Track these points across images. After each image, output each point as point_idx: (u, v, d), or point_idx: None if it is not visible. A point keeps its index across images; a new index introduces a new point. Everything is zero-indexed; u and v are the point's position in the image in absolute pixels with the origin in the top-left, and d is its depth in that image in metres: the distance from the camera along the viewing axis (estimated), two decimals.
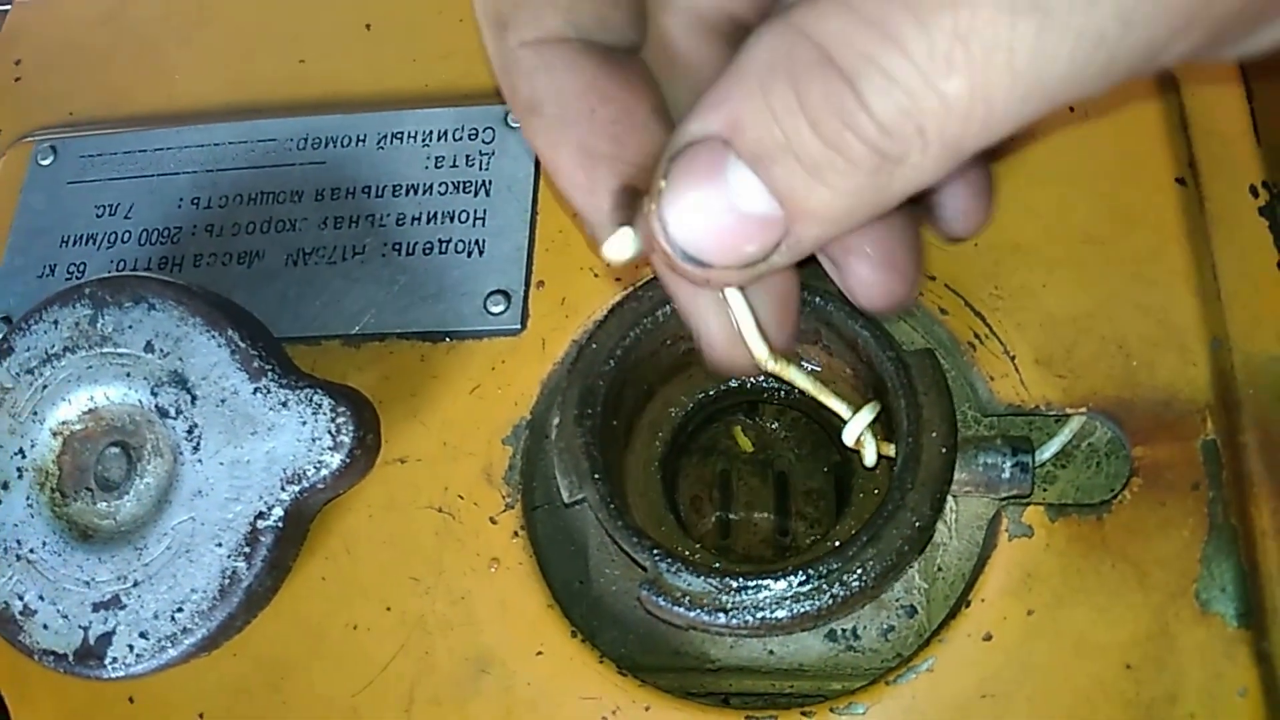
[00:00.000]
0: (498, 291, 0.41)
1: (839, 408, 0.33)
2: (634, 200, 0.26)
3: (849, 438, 0.34)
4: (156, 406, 0.37)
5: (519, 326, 0.41)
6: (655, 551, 0.33)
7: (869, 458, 0.34)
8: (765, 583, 0.32)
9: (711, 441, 0.43)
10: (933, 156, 0.21)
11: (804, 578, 0.32)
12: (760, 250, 0.23)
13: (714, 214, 0.23)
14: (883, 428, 0.35)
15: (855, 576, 0.32)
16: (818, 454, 0.42)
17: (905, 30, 0.19)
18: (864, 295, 0.28)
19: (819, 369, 0.38)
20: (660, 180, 0.23)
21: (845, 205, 0.22)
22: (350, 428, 0.36)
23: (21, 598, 0.37)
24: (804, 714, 0.34)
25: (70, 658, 0.36)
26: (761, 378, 0.40)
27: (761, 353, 0.28)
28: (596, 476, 0.35)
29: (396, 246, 0.43)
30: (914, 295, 0.30)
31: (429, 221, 0.43)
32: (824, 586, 0.32)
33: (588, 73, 0.25)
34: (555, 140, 0.26)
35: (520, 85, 0.26)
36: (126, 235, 0.45)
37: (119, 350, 0.38)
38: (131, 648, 0.36)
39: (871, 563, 0.32)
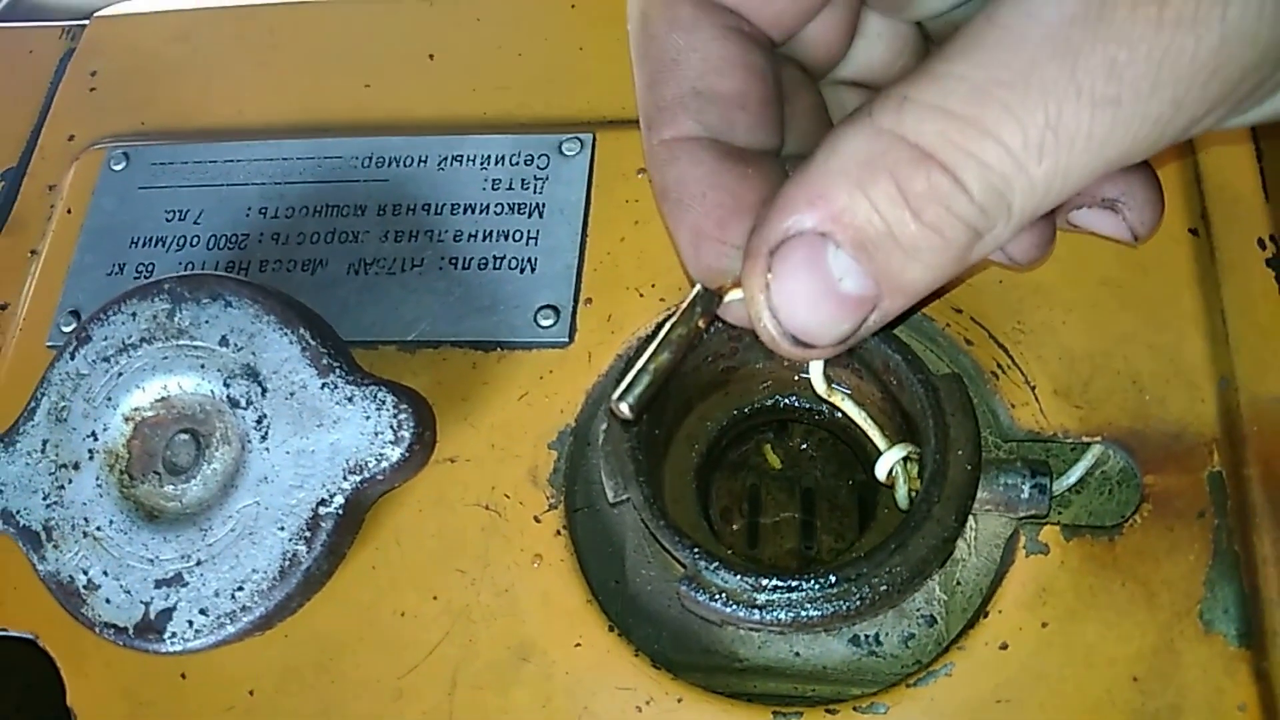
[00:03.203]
0: (547, 306, 0.44)
1: (877, 438, 0.36)
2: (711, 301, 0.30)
3: (881, 471, 0.36)
4: (228, 397, 0.40)
5: (567, 339, 0.43)
6: (695, 550, 0.35)
7: (900, 496, 0.36)
8: (798, 583, 0.34)
9: (742, 458, 0.45)
10: (1013, 226, 0.25)
11: (835, 579, 0.34)
12: (854, 325, 0.27)
13: (817, 300, 0.26)
14: (915, 470, 0.37)
15: (883, 580, 0.34)
16: (843, 472, 0.44)
17: (1002, 126, 0.23)
18: (1016, 250, 0.33)
19: (849, 392, 0.41)
20: (765, 272, 0.26)
21: (933, 277, 0.26)
22: (410, 424, 0.38)
23: (86, 572, 0.39)
24: (829, 711, 0.36)
25: (130, 631, 0.38)
26: (793, 398, 0.42)
27: (822, 388, 0.34)
28: (641, 479, 0.37)
29: (453, 261, 0.46)
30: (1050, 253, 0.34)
31: (484, 239, 0.46)
32: (853, 589, 0.34)
33: (708, 165, 0.29)
34: (675, 220, 0.30)
35: (655, 174, 0.30)
36: (195, 240, 0.48)
37: (195, 343, 0.40)
38: (191, 623, 0.38)
39: (899, 568, 0.34)
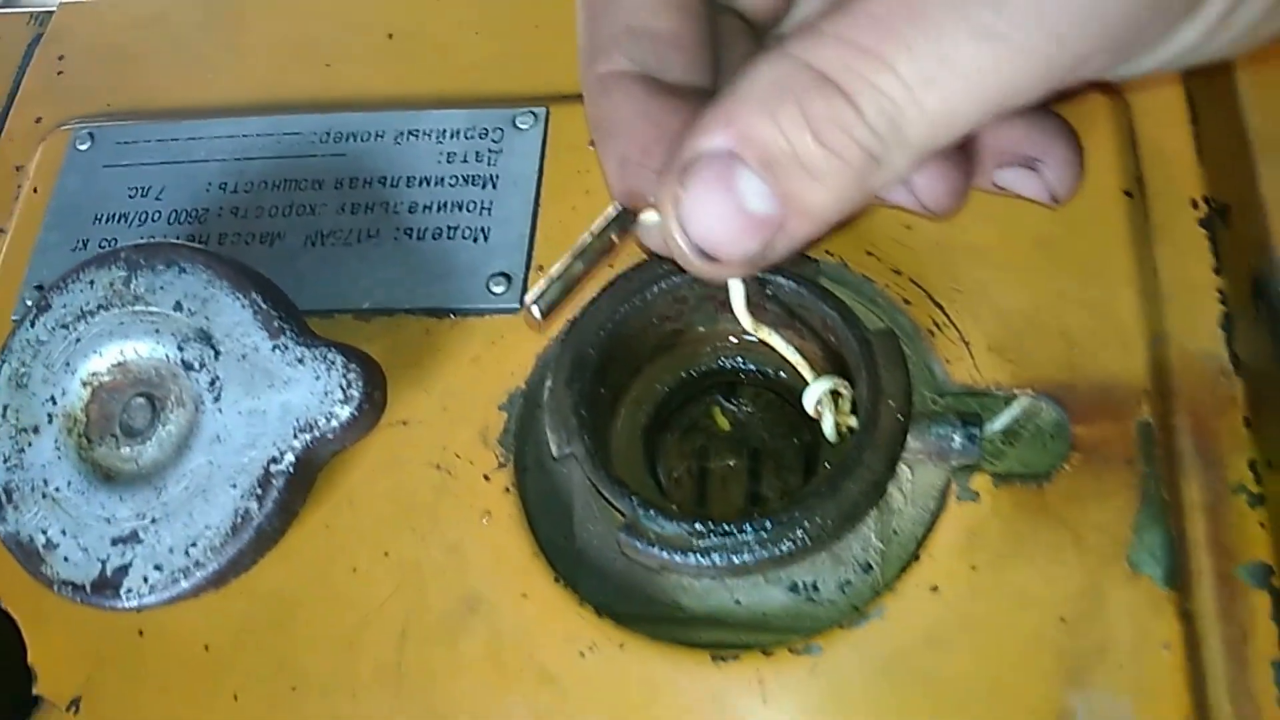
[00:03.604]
0: (500, 274, 0.45)
1: (806, 372, 0.37)
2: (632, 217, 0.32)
3: (808, 402, 0.37)
4: (182, 360, 0.41)
5: (518, 305, 0.44)
6: (634, 498, 0.36)
7: (827, 428, 0.38)
8: (733, 528, 0.35)
9: (691, 421, 0.46)
10: (909, 156, 0.26)
11: (769, 524, 0.35)
12: (760, 245, 0.28)
13: (725, 216, 0.27)
14: (846, 406, 0.38)
15: (815, 524, 0.35)
16: (790, 433, 0.45)
17: (898, 57, 0.25)
18: (927, 195, 0.34)
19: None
20: (676, 188, 0.27)
21: (834, 201, 0.27)
22: (360, 383, 0.39)
23: (45, 532, 0.40)
24: (765, 653, 0.37)
25: (88, 588, 0.39)
26: (740, 360, 0.44)
27: (748, 323, 0.34)
28: (584, 432, 0.38)
29: (408, 232, 0.47)
30: (962, 205, 0.35)
31: (439, 210, 0.47)
32: (786, 532, 0.35)
33: (638, 99, 0.31)
34: (604, 149, 0.32)
35: (590, 106, 0.32)
36: (157, 214, 0.49)
37: (150, 309, 0.41)
38: (146, 579, 0.39)
39: (830, 512, 0.35)
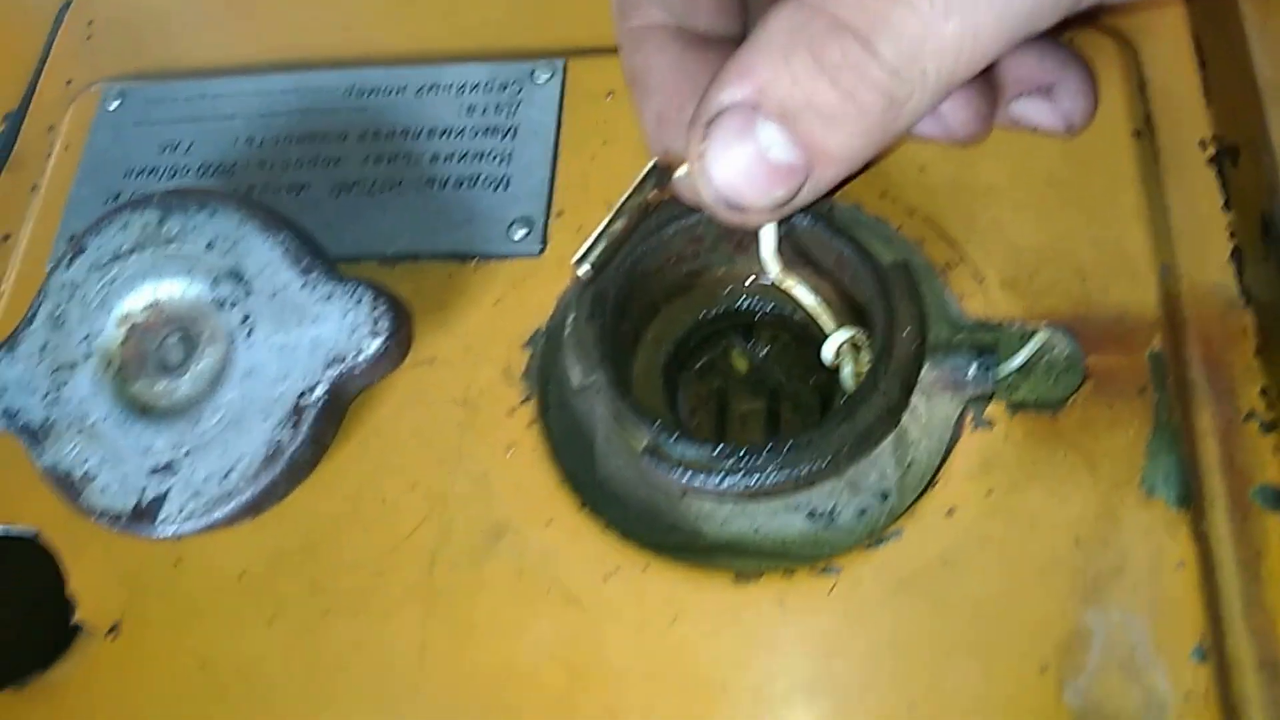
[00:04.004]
0: (521, 220, 0.46)
1: (826, 321, 0.38)
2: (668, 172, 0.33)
3: (827, 353, 0.38)
4: (214, 299, 0.42)
5: (539, 249, 0.45)
6: (656, 423, 0.37)
7: (845, 377, 0.38)
8: (754, 450, 0.36)
9: (710, 364, 0.47)
10: (931, 92, 0.27)
11: (788, 446, 0.36)
12: (787, 193, 0.29)
13: (748, 166, 0.28)
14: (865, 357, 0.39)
15: (833, 446, 0.36)
16: (806, 374, 0.46)
17: None
18: (954, 122, 0.35)
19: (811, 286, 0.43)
20: (700, 143, 0.28)
21: (858, 146, 0.28)
22: (387, 318, 0.40)
23: (84, 464, 0.41)
24: (785, 574, 0.38)
25: (125, 517, 0.40)
26: (758, 301, 0.44)
27: (775, 271, 0.36)
28: (605, 362, 0.39)
29: (431, 181, 0.48)
30: (988, 131, 0.36)
31: (460, 160, 0.48)
32: (806, 455, 0.36)
33: (673, 52, 0.32)
34: (641, 103, 0.33)
35: (625, 60, 0.33)
36: (186, 169, 0.50)
37: (182, 249, 0.42)
38: (182, 508, 0.40)
39: (848, 435, 0.36)
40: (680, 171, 0.33)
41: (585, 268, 0.33)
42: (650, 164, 0.34)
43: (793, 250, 0.41)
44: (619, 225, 0.33)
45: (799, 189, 0.29)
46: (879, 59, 0.25)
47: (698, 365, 0.46)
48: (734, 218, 0.30)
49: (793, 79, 0.26)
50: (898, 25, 0.25)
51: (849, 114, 0.27)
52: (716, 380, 0.46)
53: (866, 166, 0.32)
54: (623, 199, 0.33)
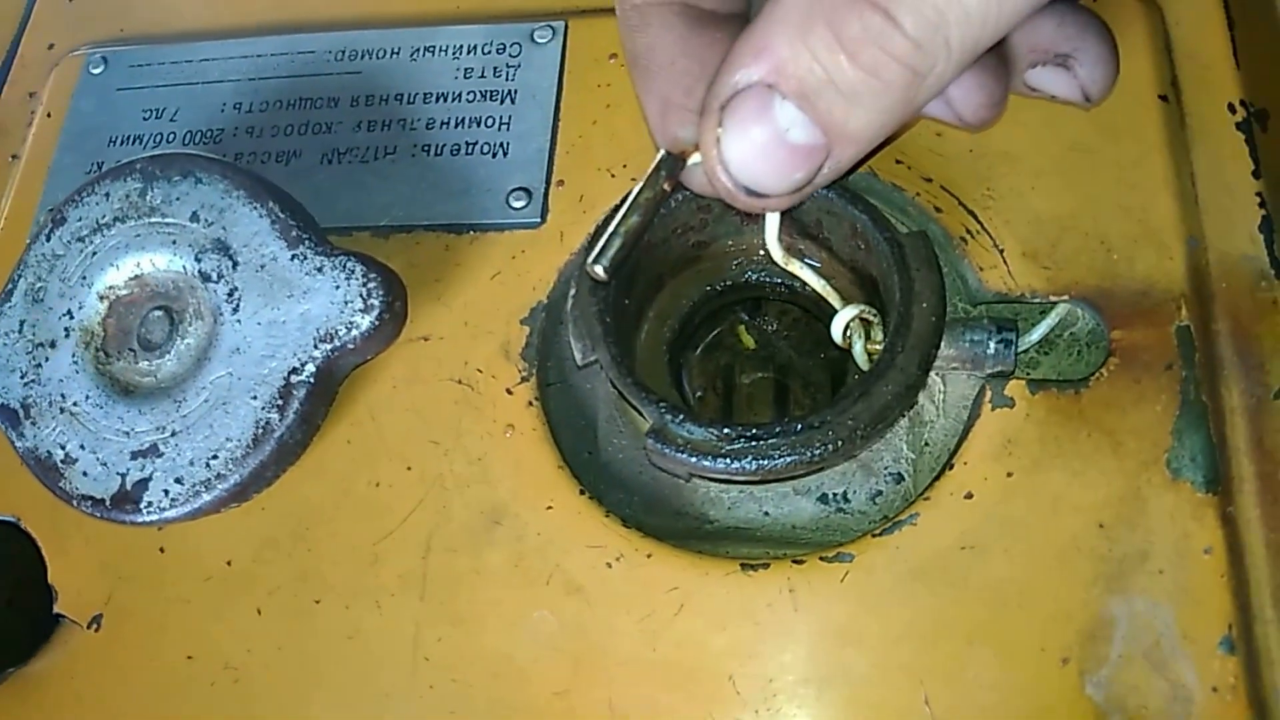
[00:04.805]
0: (520, 189, 0.44)
1: (835, 300, 0.36)
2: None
3: (836, 331, 0.37)
4: (199, 272, 0.40)
5: (539, 220, 0.43)
6: (661, 404, 0.35)
7: (858, 355, 0.37)
8: (763, 430, 0.34)
9: (717, 339, 0.45)
10: (955, 62, 0.25)
11: (800, 426, 0.34)
12: (807, 175, 0.27)
13: (767, 149, 0.26)
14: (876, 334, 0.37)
15: (847, 426, 0.34)
16: (816, 350, 0.44)
17: None
18: (964, 108, 0.33)
19: (819, 265, 0.41)
20: (715, 128, 0.26)
21: (880, 123, 0.26)
22: (380, 293, 0.39)
23: (64, 447, 0.39)
24: (795, 562, 0.36)
25: (108, 502, 0.39)
26: (763, 274, 0.43)
27: (779, 255, 0.34)
28: (609, 339, 0.37)
29: (425, 148, 0.46)
30: (999, 116, 0.34)
31: (456, 126, 0.46)
32: (818, 436, 0.34)
33: (678, 31, 0.30)
34: (643, 88, 0.31)
35: (627, 40, 0.30)
36: (171, 136, 0.48)
37: (166, 220, 0.40)
38: (167, 493, 0.38)
39: (862, 414, 0.34)
40: (693, 160, 0.31)
41: (600, 268, 0.32)
42: (660, 154, 0.32)
43: (801, 222, 0.40)
44: (633, 221, 0.31)
45: (819, 170, 0.27)
46: (901, 30, 0.24)
47: (704, 341, 0.45)
48: (753, 204, 0.28)
49: (811, 56, 0.25)
50: None
51: (871, 90, 0.25)
52: (723, 356, 0.45)
53: (884, 144, 0.30)
54: (634, 192, 0.32)
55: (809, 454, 0.34)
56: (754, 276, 0.43)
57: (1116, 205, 0.40)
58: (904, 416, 0.36)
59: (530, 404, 0.40)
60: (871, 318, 0.37)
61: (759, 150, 0.27)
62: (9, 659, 0.39)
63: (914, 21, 0.24)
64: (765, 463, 0.34)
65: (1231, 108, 0.42)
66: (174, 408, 0.39)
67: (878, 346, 0.37)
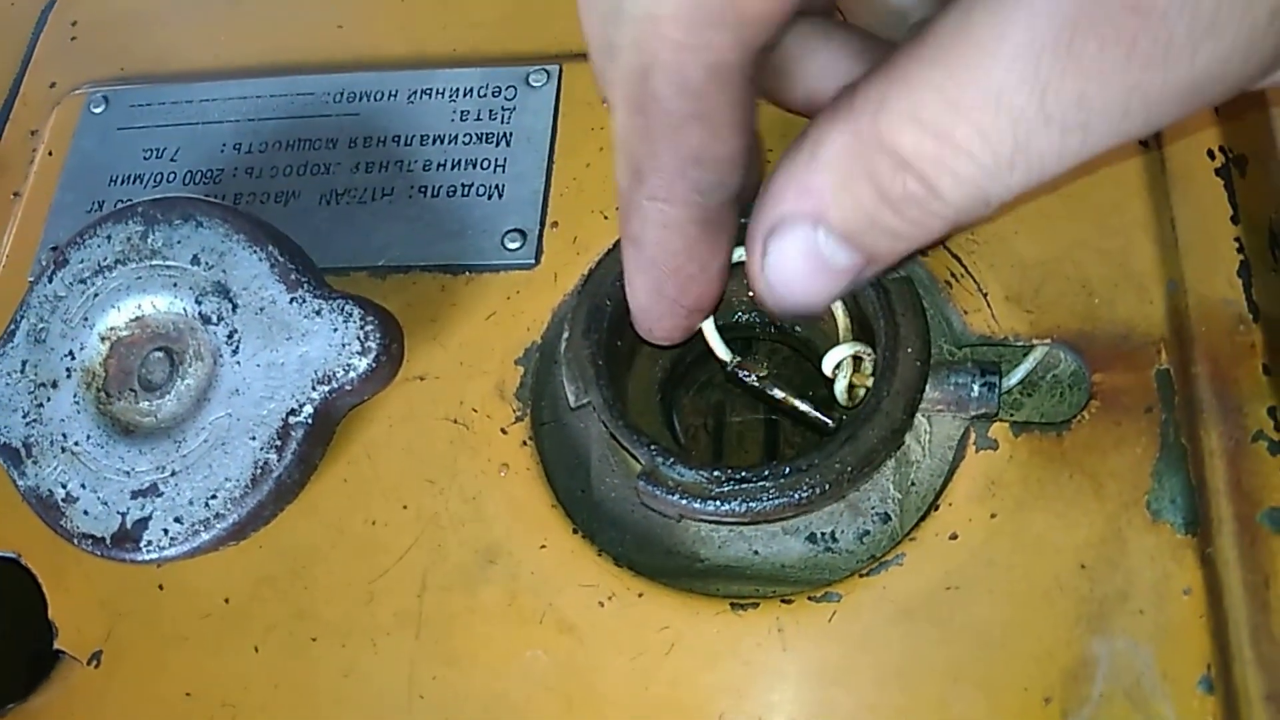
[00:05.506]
0: (515, 230, 0.45)
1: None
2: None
3: (828, 365, 0.37)
4: (200, 314, 0.41)
5: (533, 261, 0.44)
6: (652, 446, 0.36)
7: (839, 390, 0.37)
8: (752, 474, 0.35)
9: (708, 377, 0.46)
10: (993, 210, 0.26)
11: (788, 470, 0.35)
12: (846, 288, 0.29)
13: (810, 276, 0.28)
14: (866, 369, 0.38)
15: (834, 470, 0.35)
16: (806, 388, 0.45)
17: (974, 144, 0.24)
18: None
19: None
20: (761, 256, 0.28)
21: (916, 247, 0.28)
22: (377, 335, 0.39)
23: (65, 486, 0.40)
24: (784, 602, 0.37)
25: (108, 541, 0.39)
26: (753, 315, 0.43)
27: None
28: (601, 382, 0.38)
29: (422, 189, 0.47)
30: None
31: (453, 168, 0.47)
32: (805, 478, 0.35)
33: (691, 237, 0.30)
34: (640, 268, 0.31)
35: (633, 222, 0.30)
36: (171, 175, 0.49)
37: (167, 263, 0.41)
38: (166, 531, 0.39)
39: (849, 458, 0.35)
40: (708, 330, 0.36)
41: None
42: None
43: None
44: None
45: (855, 280, 0.29)
46: (942, 200, 0.25)
47: (695, 380, 0.45)
48: (790, 314, 0.30)
49: (855, 204, 0.26)
50: (962, 174, 0.24)
51: (914, 236, 0.27)
52: (714, 395, 0.46)
53: None
54: None
55: (797, 496, 0.35)
56: (745, 317, 0.44)
57: (1098, 249, 0.41)
58: (890, 458, 0.37)
59: (524, 443, 0.41)
60: (865, 354, 0.38)
61: (802, 276, 0.28)
62: (9, 695, 0.40)
63: (957, 195, 0.25)
64: (754, 505, 0.35)
65: (1210, 154, 0.43)
66: (174, 448, 0.39)
67: (866, 380, 0.38)
